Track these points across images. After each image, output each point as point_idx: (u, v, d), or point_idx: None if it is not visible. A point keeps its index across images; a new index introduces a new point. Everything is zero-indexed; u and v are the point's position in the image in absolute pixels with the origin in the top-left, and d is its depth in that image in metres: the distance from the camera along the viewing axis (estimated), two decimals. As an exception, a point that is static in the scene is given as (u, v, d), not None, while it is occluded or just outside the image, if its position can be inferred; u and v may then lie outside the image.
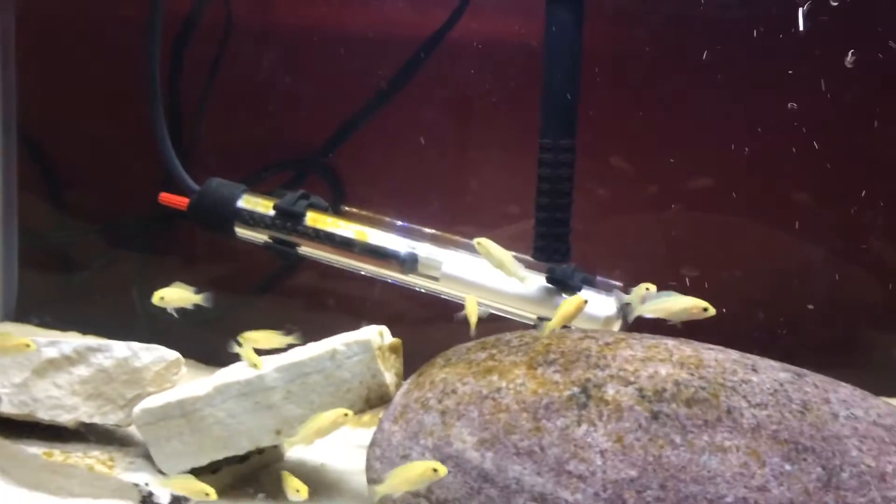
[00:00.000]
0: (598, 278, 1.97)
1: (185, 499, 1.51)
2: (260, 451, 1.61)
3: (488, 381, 1.35)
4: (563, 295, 1.84)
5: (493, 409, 1.31)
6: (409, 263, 1.98)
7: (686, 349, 1.32)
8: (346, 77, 2.32)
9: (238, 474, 1.62)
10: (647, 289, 1.60)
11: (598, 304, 1.85)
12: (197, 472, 1.54)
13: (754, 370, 1.27)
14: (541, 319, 1.91)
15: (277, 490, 1.55)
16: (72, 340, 1.57)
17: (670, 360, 1.29)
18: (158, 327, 2.27)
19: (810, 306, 2.07)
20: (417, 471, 1.23)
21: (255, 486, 1.61)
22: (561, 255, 1.97)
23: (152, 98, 2.10)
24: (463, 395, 1.36)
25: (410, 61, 2.28)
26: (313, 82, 2.34)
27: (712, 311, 1.37)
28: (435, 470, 1.22)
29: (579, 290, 1.85)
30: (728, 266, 2.18)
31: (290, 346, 1.55)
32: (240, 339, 1.51)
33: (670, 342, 1.36)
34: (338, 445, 1.73)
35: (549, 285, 1.90)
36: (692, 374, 1.26)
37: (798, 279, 2.16)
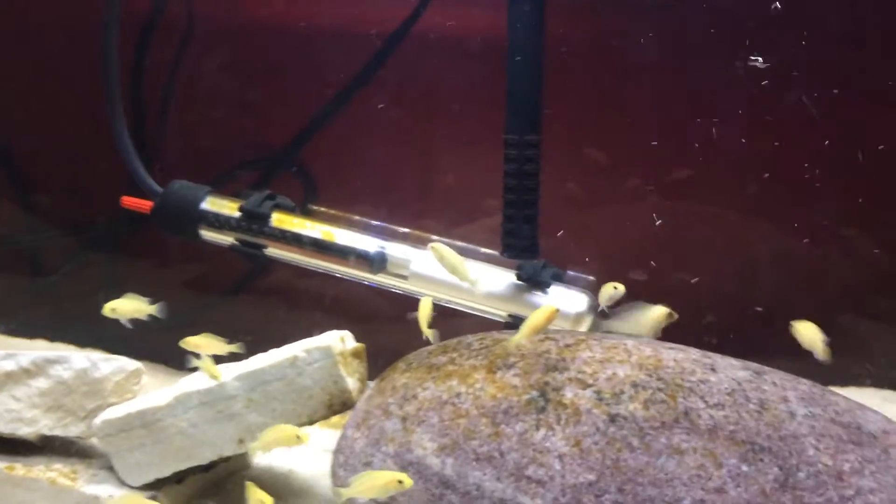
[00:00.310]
0: (570, 273, 1.96)
1: (148, 509, 1.50)
2: (226, 459, 1.59)
3: (448, 387, 1.34)
4: (534, 291, 1.83)
5: (453, 415, 1.30)
6: (377, 263, 1.97)
7: (646, 349, 1.32)
8: (313, 73, 2.30)
9: (204, 483, 1.61)
10: (615, 288, 1.59)
11: (568, 300, 1.84)
12: (161, 483, 1.53)
13: (713, 370, 1.27)
14: (511, 317, 1.91)
15: (243, 499, 1.54)
16: (29, 353, 1.55)
17: (629, 361, 1.28)
18: (127, 333, 2.27)
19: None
20: (382, 480, 1.22)
21: (220, 494, 1.60)
22: (530, 252, 1.96)
23: (110, 101, 2.07)
24: (423, 400, 1.35)
25: (375, 56, 2.26)
26: (279, 80, 2.32)
27: (675, 315, 1.37)
28: (400, 482, 1.21)
29: (549, 286, 1.84)
30: (701, 260, 2.18)
31: (233, 354, 1.53)
32: (182, 343, 1.49)
33: (630, 342, 1.35)
34: (305, 450, 1.72)
35: (519, 282, 1.90)
36: (650, 376, 1.25)
37: (773, 269, 2.16)
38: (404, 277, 1.97)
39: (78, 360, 1.55)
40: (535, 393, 1.27)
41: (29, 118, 2.47)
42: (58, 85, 2.45)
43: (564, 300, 1.81)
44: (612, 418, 1.20)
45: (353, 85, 2.28)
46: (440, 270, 1.95)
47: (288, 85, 2.32)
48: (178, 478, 1.55)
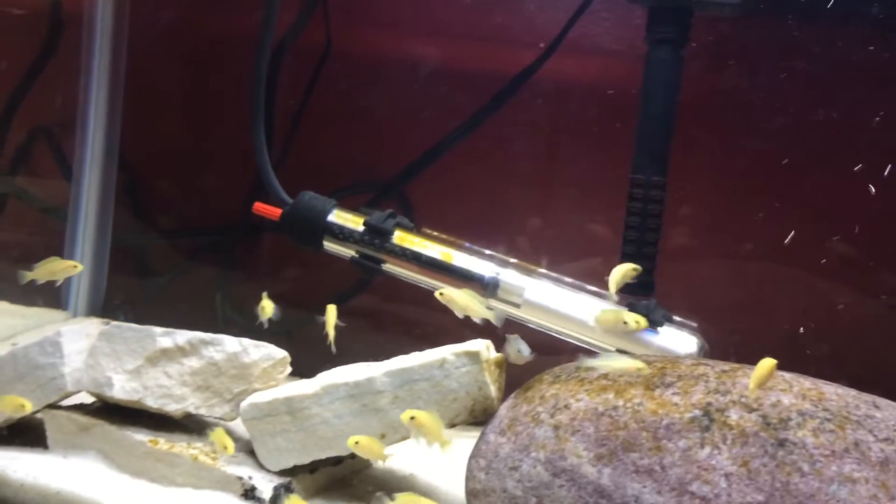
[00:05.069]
0: (675, 317, 2.01)
1: (288, 491, 1.52)
2: (353, 456, 1.62)
3: (604, 399, 1.38)
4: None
5: (611, 427, 1.33)
6: (490, 288, 2.02)
7: (805, 382, 1.35)
8: (432, 107, 2.40)
9: (332, 477, 1.64)
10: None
11: (679, 340, 1.89)
12: (297, 470, 1.56)
13: (876, 406, 1.30)
14: (620, 352, 1.94)
15: (365, 496, 1.57)
16: (186, 332, 1.60)
17: (791, 391, 1.31)
18: (234, 333, 2.32)
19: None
20: None
21: (345, 489, 1.63)
22: (645, 290, 2.01)
23: (255, 115, 2.16)
24: (577, 410, 1.38)
25: (497, 96, 2.35)
26: (400, 109, 2.42)
27: None
28: None
29: (661, 325, 1.88)
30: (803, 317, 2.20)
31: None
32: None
33: (787, 374, 1.38)
34: (427, 456, 1.74)
35: (631, 318, 1.94)
36: (815, 406, 1.28)
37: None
38: (516, 305, 2.02)
39: (230, 343, 1.59)
40: (697, 412, 1.30)
41: (154, 128, 2.58)
42: (184, 95, 2.57)
43: (675, 340, 1.86)
44: (781, 443, 1.23)
45: (468, 122, 2.37)
46: (554, 300, 2.00)
47: (407, 117, 2.42)
48: (312, 468, 1.58)
